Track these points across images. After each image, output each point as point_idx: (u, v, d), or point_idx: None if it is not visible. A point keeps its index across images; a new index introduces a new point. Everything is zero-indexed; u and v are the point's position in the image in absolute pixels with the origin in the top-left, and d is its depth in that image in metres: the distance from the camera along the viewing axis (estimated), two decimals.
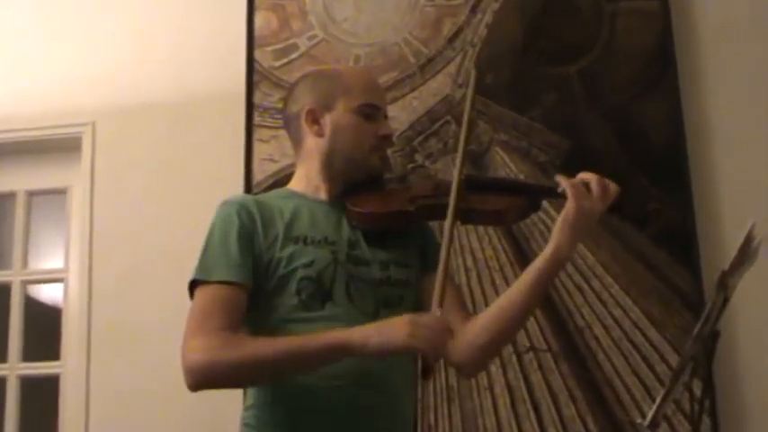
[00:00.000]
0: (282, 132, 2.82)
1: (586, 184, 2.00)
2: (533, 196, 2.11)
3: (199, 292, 1.99)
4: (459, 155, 1.98)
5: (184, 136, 3.64)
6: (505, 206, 2.03)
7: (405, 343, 1.79)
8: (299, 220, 2.10)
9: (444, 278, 1.84)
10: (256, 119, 3.56)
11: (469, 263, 3.31)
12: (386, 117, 2.16)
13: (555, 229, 2.02)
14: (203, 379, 1.89)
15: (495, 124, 3.41)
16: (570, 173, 2.10)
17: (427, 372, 1.74)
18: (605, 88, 3.29)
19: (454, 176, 1.95)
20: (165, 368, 2.58)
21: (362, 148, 2.14)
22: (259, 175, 3.52)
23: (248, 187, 3.45)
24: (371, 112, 2.13)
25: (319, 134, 2.16)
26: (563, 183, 2.03)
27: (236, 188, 3.43)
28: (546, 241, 2.14)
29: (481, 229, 3.28)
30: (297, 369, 1.89)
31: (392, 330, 1.82)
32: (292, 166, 2.36)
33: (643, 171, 3.25)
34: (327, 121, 2.15)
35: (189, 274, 2.09)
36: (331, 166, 2.16)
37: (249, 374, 1.90)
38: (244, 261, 2.01)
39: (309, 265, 2.03)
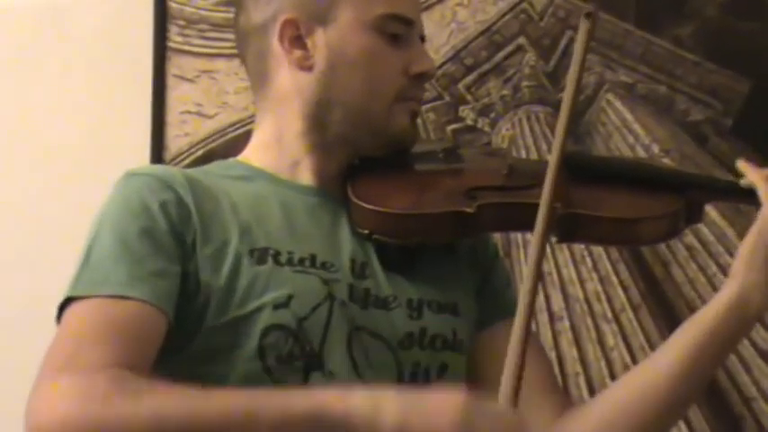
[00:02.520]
0: (227, 64, 2.60)
1: None
2: (692, 197, 1.52)
3: (75, 311, 1.39)
4: (559, 128, 1.45)
5: (46, 56, 2.84)
6: (641, 213, 1.49)
7: None
8: (265, 219, 1.49)
9: (525, 339, 1.29)
10: (174, 37, 2.78)
11: (557, 305, 2.43)
12: (423, 39, 1.58)
13: (738, 256, 1.47)
14: None
15: (608, 52, 2.56)
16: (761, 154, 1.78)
17: None
18: None
19: (551, 157, 1.40)
20: None
21: (383, 93, 1.54)
22: (178, 139, 2.77)
23: (157, 156, 2.76)
24: (400, 31, 1.54)
25: (304, 65, 1.54)
26: (751, 174, 1.51)
27: (138, 158, 2.70)
28: (711, 274, 2.15)
29: (578, 247, 2.44)
30: None
31: (428, 410, 1.25)
32: (249, 120, 2.32)
33: None
34: (320, 42, 1.54)
35: (43, 282, 1.79)
36: (323, 127, 1.54)
37: None
38: (162, 270, 1.40)
39: (284, 303, 1.43)
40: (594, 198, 1.51)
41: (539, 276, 1.34)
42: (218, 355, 1.41)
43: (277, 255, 1.45)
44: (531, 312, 1.32)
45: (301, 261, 1.46)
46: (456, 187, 1.54)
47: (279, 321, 1.43)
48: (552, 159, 1.43)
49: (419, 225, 1.51)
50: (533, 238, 1.39)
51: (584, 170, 1.54)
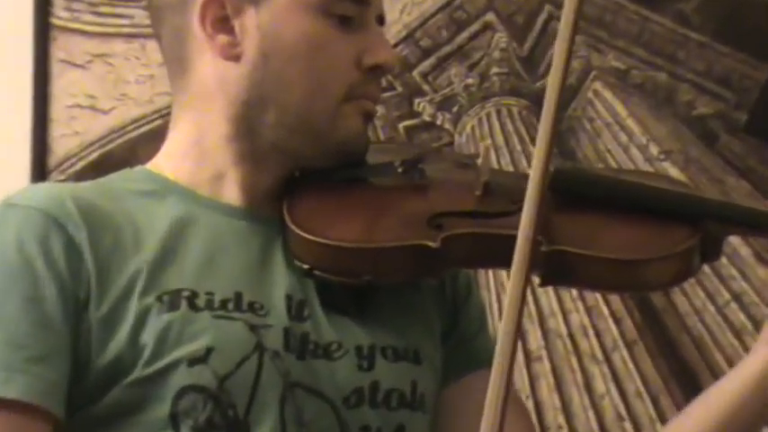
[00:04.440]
0: (126, 46, 2.53)
1: None
2: (711, 230, 1.45)
3: None
4: (541, 137, 1.30)
5: None
6: (647, 251, 1.43)
7: None
8: (178, 251, 1.46)
9: (506, 396, 1.23)
10: (60, 12, 2.63)
11: (534, 343, 2.42)
12: (381, 22, 1.54)
13: None
14: None
15: (596, 32, 2.49)
16: None
17: None
18: None
19: (531, 176, 1.30)
20: None
21: (329, 90, 1.51)
22: (65, 139, 2.65)
23: (39, 162, 2.62)
24: (351, 12, 1.49)
25: (230, 54, 1.50)
26: None
27: (15, 164, 2.60)
28: (723, 303, 2.29)
29: None
30: None
31: None
32: (154, 116, 2.43)
33: None
34: (250, 25, 1.49)
35: None
36: (254, 131, 1.50)
37: None
38: (48, 352, 1.38)
39: (202, 358, 1.40)
40: (588, 230, 1.46)
41: (519, 328, 1.23)
42: (123, 422, 1.40)
43: (193, 297, 1.41)
44: (511, 372, 1.23)
45: (223, 303, 1.42)
46: (417, 213, 1.48)
47: (195, 381, 1.39)
48: (533, 179, 1.29)
49: (371, 262, 1.46)
50: (510, 282, 1.26)
51: (575, 193, 1.48)
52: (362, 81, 1.49)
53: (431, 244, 1.41)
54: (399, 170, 1.52)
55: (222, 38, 1.47)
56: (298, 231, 1.44)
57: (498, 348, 1.22)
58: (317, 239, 1.44)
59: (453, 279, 1.60)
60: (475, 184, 1.49)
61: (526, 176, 1.32)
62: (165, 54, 1.55)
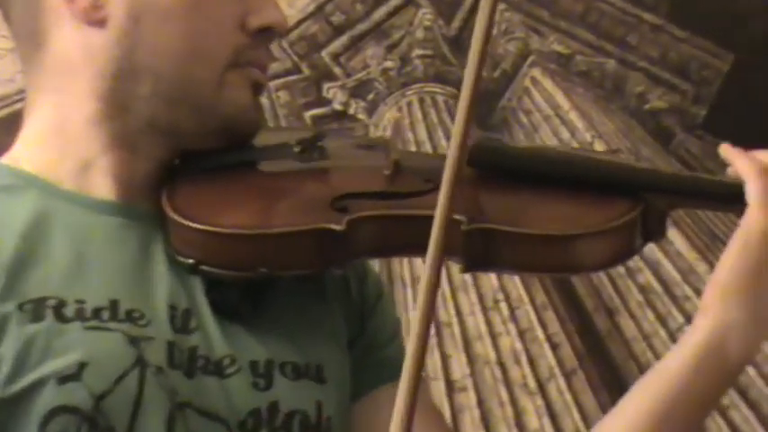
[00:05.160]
0: None
1: None
2: (652, 203, 1.38)
3: None
4: (461, 108, 1.18)
5: None
6: (580, 226, 1.35)
7: None
8: (40, 254, 1.37)
9: (413, 398, 1.09)
10: None
11: (459, 371, 2.39)
12: None
13: (712, 282, 1.30)
14: None
15: (535, 11, 2.49)
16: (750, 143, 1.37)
17: None
18: None
19: (450, 148, 1.18)
20: None
21: (211, 56, 1.40)
22: None
23: None
24: None
25: (93, 18, 1.39)
26: (739, 162, 1.33)
27: None
28: (676, 327, 2.28)
29: (489, 288, 2.46)
30: None
31: None
32: (16, 98, 2.34)
33: None
34: None
35: None
36: (126, 108, 1.41)
37: None
38: None
39: (74, 374, 1.30)
40: (514, 207, 1.39)
41: (430, 317, 1.14)
42: None
43: (60, 306, 1.33)
44: (421, 367, 1.11)
45: (96, 312, 1.34)
46: (319, 195, 1.41)
47: (67, 401, 1.30)
48: (452, 150, 1.21)
49: (266, 250, 1.38)
50: (426, 264, 1.20)
51: (498, 167, 1.41)
52: (249, 45, 1.37)
53: (335, 227, 1.32)
54: (296, 150, 1.41)
55: (82, 0, 1.36)
56: (179, 219, 1.34)
57: (410, 340, 1.10)
58: (203, 227, 1.33)
59: (361, 282, 1.47)
60: (384, 164, 1.39)
61: (440, 156, 1.27)
62: (15, 32, 1.42)
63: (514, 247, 1.36)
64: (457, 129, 1.17)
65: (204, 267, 1.35)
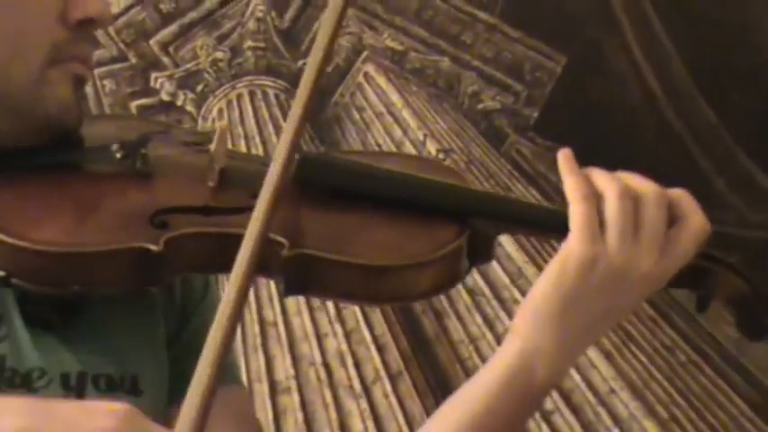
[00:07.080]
0: None
1: (635, 198, 1.24)
2: (480, 228, 1.34)
3: None
4: (292, 116, 1.20)
5: None
6: (404, 256, 1.30)
7: None
8: None
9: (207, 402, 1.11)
10: None
11: (282, 371, 2.41)
12: None
13: (525, 304, 1.25)
14: None
15: (369, 5, 2.50)
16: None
17: None
18: None
19: (274, 161, 1.25)
20: None
21: (28, 52, 1.37)
22: None
23: None
24: None
25: None
26: (567, 180, 1.26)
27: None
28: (504, 331, 2.17)
29: None
30: None
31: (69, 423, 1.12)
32: None
33: None
34: None
35: None
36: None
37: None
38: None
39: None
40: (338, 230, 1.35)
41: (231, 333, 1.13)
42: None
43: None
44: (212, 394, 1.10)
45: None
46: (138, 209, 1.37)
47: None
48: (275, 164, 1.25)
49: (79, 269, 1.35)
50: (228, 287, 1.19)
51: (324, 184, 1.37)
52: (70, 39, 1.30)
53: (152, 247, 1.27)
54: (118, 155, 1.35)
55: None
56: None
57: (202, 360, 1.11)
58: (12, 241, 1.27)
59: (185, 282, 1.43)
60: (209, 173, 1.34)
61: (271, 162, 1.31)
62: None
63: (335, 274, 1.32)
64: (280, 150, 1.19)
65: (14, 281, 1.31)
